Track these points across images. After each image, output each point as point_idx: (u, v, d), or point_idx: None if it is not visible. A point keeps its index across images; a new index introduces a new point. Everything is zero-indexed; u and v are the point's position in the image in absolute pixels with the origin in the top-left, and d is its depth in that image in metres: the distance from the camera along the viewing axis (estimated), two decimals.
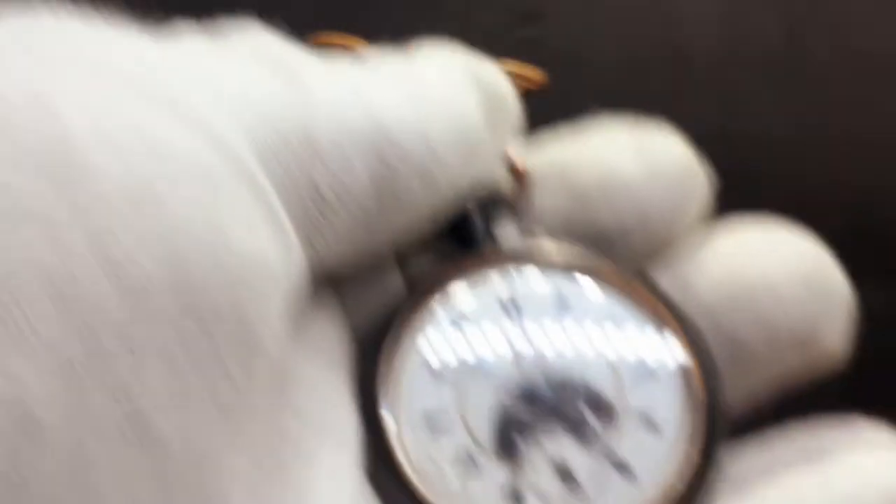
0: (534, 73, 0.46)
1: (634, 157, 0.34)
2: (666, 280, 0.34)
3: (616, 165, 0.33)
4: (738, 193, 0.37)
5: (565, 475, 0.30)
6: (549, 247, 0.33)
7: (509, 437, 0.30)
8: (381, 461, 0.29)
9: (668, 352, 0.32)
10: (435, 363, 0.31)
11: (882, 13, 0.49)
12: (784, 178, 0.43)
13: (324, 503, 0.24)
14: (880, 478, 0.29)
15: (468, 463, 0.29)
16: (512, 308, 0.32)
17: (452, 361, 0.31)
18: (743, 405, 0.34)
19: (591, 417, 0.30)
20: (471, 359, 0.31)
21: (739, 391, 0.33)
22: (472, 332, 0.32)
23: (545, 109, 0.37)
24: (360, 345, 0.31)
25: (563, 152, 0.34)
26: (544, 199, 0.34)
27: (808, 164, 0.44)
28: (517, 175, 0.34)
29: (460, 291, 0.32)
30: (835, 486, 0.29)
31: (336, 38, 0.50)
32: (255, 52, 0.22)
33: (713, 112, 0.45)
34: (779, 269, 0.33)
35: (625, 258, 0.35)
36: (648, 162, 0.34)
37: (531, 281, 0.32)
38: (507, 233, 0.34)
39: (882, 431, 0.33)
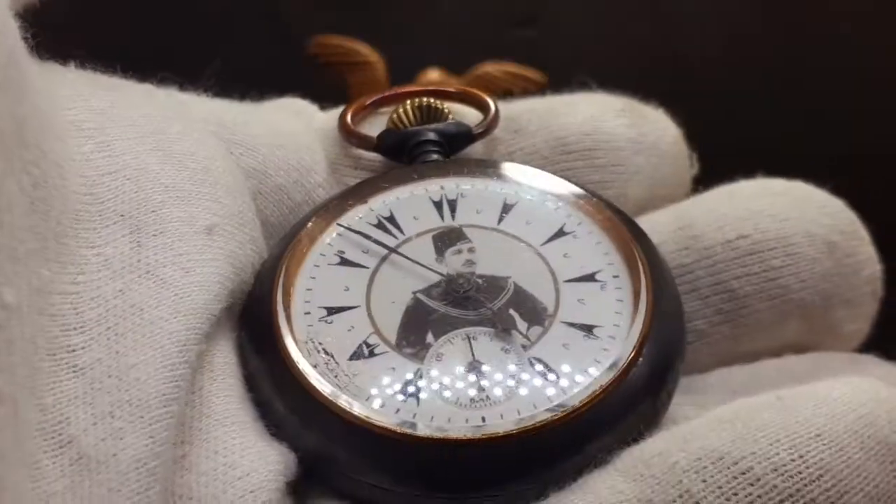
0: (534, 74, 0.47)
1: (625, 118, 0.32)
2: (669, 218, 0.31)
3: (604, 121, 0.32)
4: None
5: (475, 370, 0.27)
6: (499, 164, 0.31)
7: (419, 329, 0.28)
8: (266, 343, 0.28)
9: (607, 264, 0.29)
10: (345, 253, 0.29)
11: (880, 15, 0.49)
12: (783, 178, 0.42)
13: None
14: (846, 408, 0.23)
15: (361, 347, 0.27)
16: (444, 205, 0.30)
17: (364, 254, 0.29)
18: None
19: (520, 324, 0.27)
20: (388, 250, 0.29)
21: (733, 355, 0.30)
22: (396, 225, 0.30)
23: None
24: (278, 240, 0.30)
25: (551, 102, 0.33)
26: (522, 141, 0.32)
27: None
28: (485, 109, 0.32)
29: (387, 194, 0.30)
30: (794, 412, 0.24)
31: (334, 38, 0.50)
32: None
33: (712, 113, 0.45)
34: (799, 224, 0.29)
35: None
36: (639, 126, 0.32)
37: (469, 184, 0.30)
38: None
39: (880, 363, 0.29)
